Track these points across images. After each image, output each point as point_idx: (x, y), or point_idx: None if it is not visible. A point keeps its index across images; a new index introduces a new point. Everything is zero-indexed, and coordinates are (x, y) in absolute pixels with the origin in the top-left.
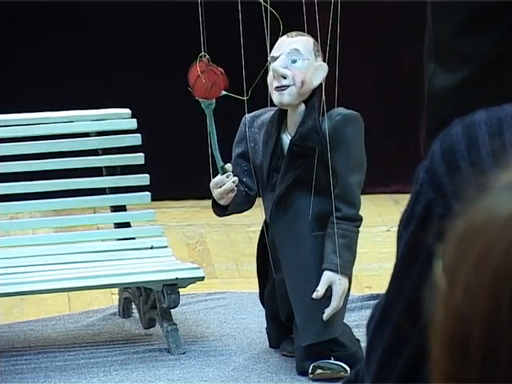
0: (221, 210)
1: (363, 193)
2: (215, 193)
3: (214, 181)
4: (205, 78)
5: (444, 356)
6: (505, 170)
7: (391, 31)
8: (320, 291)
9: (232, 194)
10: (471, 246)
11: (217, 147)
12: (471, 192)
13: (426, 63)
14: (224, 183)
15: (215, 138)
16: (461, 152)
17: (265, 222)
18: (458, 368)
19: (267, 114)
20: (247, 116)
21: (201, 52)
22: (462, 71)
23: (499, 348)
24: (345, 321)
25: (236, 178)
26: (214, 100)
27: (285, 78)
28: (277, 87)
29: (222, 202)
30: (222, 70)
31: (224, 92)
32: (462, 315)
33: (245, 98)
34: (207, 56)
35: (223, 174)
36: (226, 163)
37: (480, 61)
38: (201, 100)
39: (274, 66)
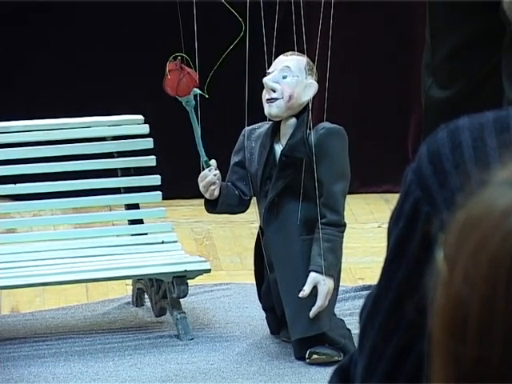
0: (211, 206)
1: (357, 192)
2: (200, 186)
3: (200, 175)
4: (172, 76)
5: (444, 336)
6: (504, 166)
7: (382, 42)
8: (306, 291)
9: (214, 187)
10: (470, 235)
11: (200, 142)
12: (457, 190)
13: (423, 76)
14: (207, 176)
15: (198, 133)
16: (446, 155)
17: (260, 226)
18: (456, 347)
19: (264, 127)
20: (246, 128)
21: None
22: (454, 87)
23: (494, 329)
24: (339, 309)
25: (217, 172)
26: (192, 97)
27: (274, 91)
28: (267, 99)
29: (207, 196)
30: (190, 70)
31: (197, 91)
32: (461, 298)
33: (206, 96)
34: (181, 57)
35: (207, 168)
36: (210, 159)
37: (471, 78)
38: (179, 98)
39: (265, 79)
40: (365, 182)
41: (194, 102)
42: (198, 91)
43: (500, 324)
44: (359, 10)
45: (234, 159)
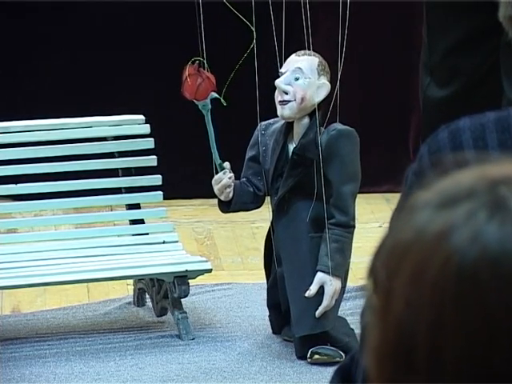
0: (225, 206)
1: (358, 192)
2: (215, 189)
3: (214, 178)
4: (192, 80)
5: (388, 366)
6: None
7: (382, 42)
8: (312, 290)
9: (229, 190)
10: (403, 261)
11: (215, 146)
12: None
13: (421, 76)
14: (222, 180)
15: (213, 137)
16: (447, 155)
17: (272, 222)
18: (404, 375)
19: (279, 123)
20: (262, 123)
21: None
22: (452, 86)
23: (445, 354)
24: (340, 309)
25: (232, 175)
26: (209, 101)
27: (286, 93)
28: (280, 101)
29: (222, 198)
30: (209, 74)
31: (215, 95)
32: (405, 326)
33: (224, 103)
34: (199, 61)
35: (221, 170)
36: (224, 161)
37: (469, 77)
38: (196, 102)
39: (277, 81)
40: (366, 182)
41: (209, 106)
42: (215, 95)
43: (450, 348)
44: (359, 10)
45: (249, 154)
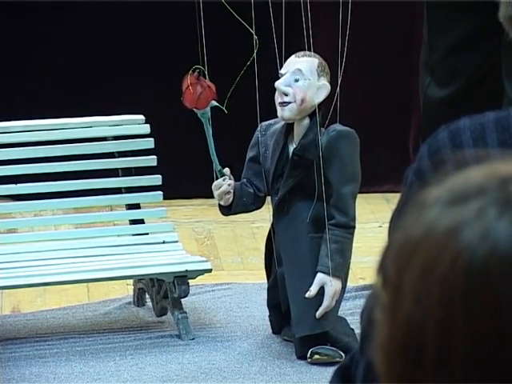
0: (225, 210)
1: (358, 192)
2: (215, 194)
3: (214, 184)
4: (193, 90)
5: (396, 363)
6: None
7: (382, 42)
8: (312, 291)
9: (229, 196)
10: (413, 258)
11: (214, 153)
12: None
13: (421, 75)
14: (221, 186)
15: (212, 144)
16: (447, 155)
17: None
18: (413, 372)
19: (280, 123)
20: (263, 123)
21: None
22: (453, 85)
23: (453, 351)
24: (340, 309)
25: (232, 181)
26: (209, 109)
27: (286, 95)
28: (280, 103)
29: (222, 203)
30: (210, 83)
31: (215, 103)
32: (414, 322)
33: (225, 111)
34: (200, 69)
35: (221, 177)
36: (223, 167)
37: (469, 77)
38: (195, 110)
39: (277, 83)
40: (366, 182)
41: (209, 114)
42: (215, 103)
43: (460, 346)
44: (359, 10)
45: (249, 154)
